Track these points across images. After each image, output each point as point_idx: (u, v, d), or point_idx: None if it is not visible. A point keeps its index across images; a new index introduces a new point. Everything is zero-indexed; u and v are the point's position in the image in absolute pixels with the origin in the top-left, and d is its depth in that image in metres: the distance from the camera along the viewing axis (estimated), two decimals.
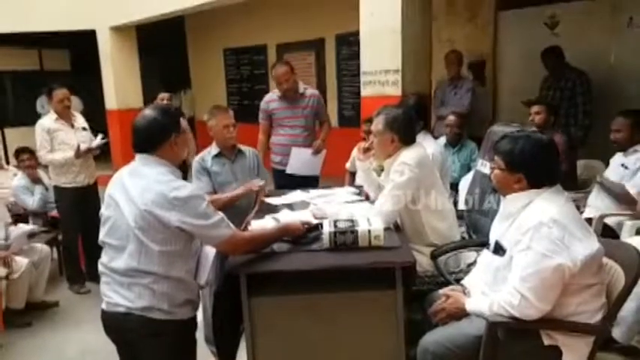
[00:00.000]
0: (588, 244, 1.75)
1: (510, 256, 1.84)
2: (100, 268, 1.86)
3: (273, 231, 2.06)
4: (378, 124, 2.53)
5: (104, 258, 1.85)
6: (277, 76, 3.80)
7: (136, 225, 1.73)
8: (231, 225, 1.86)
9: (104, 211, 1.86)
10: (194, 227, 1.75)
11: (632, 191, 2.95)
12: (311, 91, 4.03)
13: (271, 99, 3.95)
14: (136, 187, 1.76)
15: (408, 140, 2.53)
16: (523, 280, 1.75)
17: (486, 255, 2.05)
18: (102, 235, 1.86)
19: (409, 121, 2.56)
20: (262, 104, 4.01)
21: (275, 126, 3.97)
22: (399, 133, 2.49)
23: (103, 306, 1.85)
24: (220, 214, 1.83)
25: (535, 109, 3.80)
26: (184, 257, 1.83)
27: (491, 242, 2.01)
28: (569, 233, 1.73)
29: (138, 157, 1.85)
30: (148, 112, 1.86)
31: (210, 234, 1.79)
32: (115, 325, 1.83)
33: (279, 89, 3.85)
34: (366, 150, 2.69)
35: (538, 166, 1.86)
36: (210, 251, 1.93)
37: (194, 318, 1.94)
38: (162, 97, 4.84)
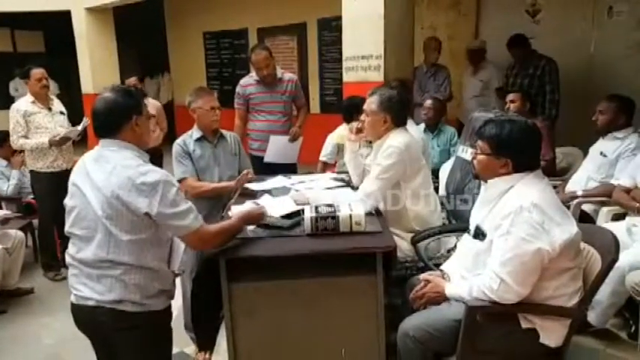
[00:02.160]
0: (567, 229, 1.77)
1: (490, 241, 1.85)
2: (68, 259, 1.78)
3: (236, 222, 1.98)
4: (371, 103, 2.51)
5: (71, 249, 1.77)
6: (257, 61, 3.72)
7: (103, 213, 1.65)
8: (200, 217, 1.78)
9: (68, 200, 1.77)
10: (161, 215, 1.66)
11: (616, 183, 2.94)
12: (289, 75, 3.98)
13: (248, 83, 3.87)
14: (101, 174, 1.67)
15: (400, 122, 2.52)
16: (503, 264, 1.76)
17: (466, 240, 2.07)
18: (67, 226, 1.77)
19: (403, 103, 2.55)
20: (239, 89, 3.92)
21: (252, 111, 3.90)
22: (392, 113, 2.48)
23: (72, 299, 1.77)
24: (189, 204, 1.75)
25: (510, 97, 3.83)
26: (156, 245, 1.74)
27: (472, 227, 2.01)
28: (548, 218, 1.74)
29: (101, 142, 1.76)
30: (107, 94, 1.77)
31: (178, 224, 1.70)
32: (86, 318, 1.76)
33: (259, 74, 3.78)
34: (358, 130, 2.67)
35: (524, 151, 1.86)
36: None
37: (169, 307, 1.88)
38: (130, 82, 4.70)
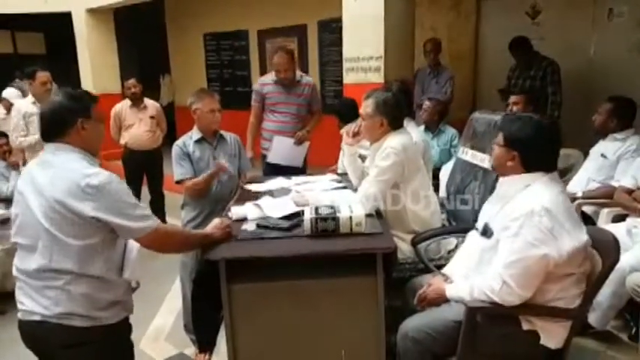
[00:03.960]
0: (576, 237, 1.75)
1: (497, 240, 1.83)
2: (14, 271, 1.67)
3: (197, 236, 1.96)
4: (367, 106, 2.51)
5: (16, 259, 1.67)
6: (278, 64, 3.73)
7: (46, 219, 1.55)
8: (155, 218, 1.71)
9: (13, 208, 1.68)
10: (111, 218, 1.57)
11: (617, 184, 2.95)
12: (307, 79, 3.97)
13: (266, 82, 3.89)
14: (45, 178, 1.59)
15: (397, 125, 2.51)
16: (507, 266, 1.75)
17: (474, 236, 2.05)
18: (12, 236, 1.67)
19: (399, 105, 2.54)
20: (256, 86, 3.95)
21: (266, 110, 3.91)
22: (388, 116, 2.47)
23: (18, 314, 1.66)
24: (142, 205, 1.68)
25: (513, 99, 3.80)
26: (105, 252, 1.63)
27: (480, 224, 2.00)
28: (559, 224, 1.72)
29: (46, 146, 1.68)
30: (54, 97, 1.71)
31: (130, 226, 1.61)
32: (32, 335, 1.64)
33: (277, 76, 3.78)
34: (355, 134, 2.67)
35: (533, 147, 1.84)
36: (135, 243, 1.76)
37: (125, 320, 1.77)
38: (129, 85, 4.72)
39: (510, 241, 1.76)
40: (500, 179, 1.99)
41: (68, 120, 1.66)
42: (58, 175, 1.58)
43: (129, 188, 1.68)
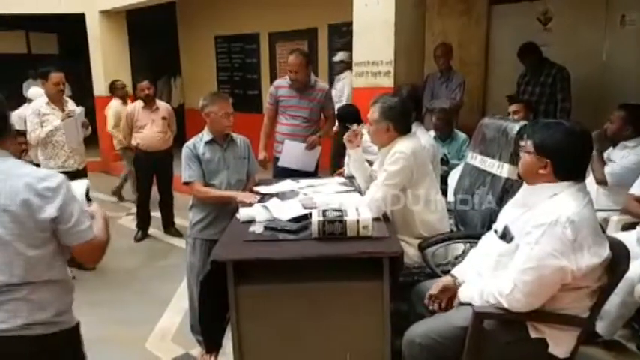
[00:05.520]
0: (597, 252, 1.72)
1: (517, 245, 1.81)
2: None
3: (104, 229, 1.70)
4: (374, 112, 2.52)
5: None
6: (290, 64, 3.76)
7: (4, 231, 1.43)
8: (94, 227, 1.59)
9: None
10: (63, 220, 1.48)
11: (605, 171, 3.04)
12: (321, 84, 3.98)
13: (281, 85, 3.92)
14: None
15: (404, 130, 2.52)
16: (522, 272, 1.73)
17: (491, 238, 2.02)
18: None
19: (405, 111, 2.55)
20: (271, 89, 3.99)
21: (280, 113, 3.94)
22: (394, 122, 2.48)
23: None
24: (87, 209, 1.59)
25: (513, 107, 3.80)
26: (63, 254, 1.56)
27: (499, 226, 1.97)
28: (582, 237, 1.68)
29: None
30: None
31: (74, 231, 1.51)
32: None
33: (289, 77, 3.82)
34: (354, 138, 2.68)
35: (566, 155, 1.78)
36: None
37: (79, 324, 1.67)
38: (143, 87, 4.76)
39: (529, 247, 1.72)
40: (525, 187, 1.94)
41: (6, 127, 1.55)
42: (10, 183, 1.45)
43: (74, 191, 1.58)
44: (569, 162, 1.79)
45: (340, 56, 5.70)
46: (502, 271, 1.84)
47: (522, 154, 1.90)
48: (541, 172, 1.81)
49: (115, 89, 6.39)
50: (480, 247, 2.12)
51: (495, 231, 2.01)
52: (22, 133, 4.38)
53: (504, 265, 1.85)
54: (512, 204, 2.00)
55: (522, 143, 1.90)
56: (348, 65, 5.43)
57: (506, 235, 1.90)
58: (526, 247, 1.75)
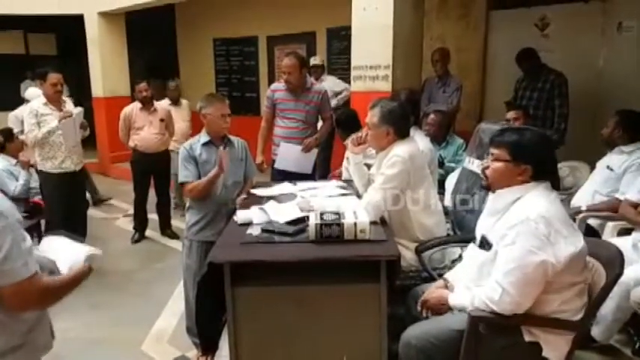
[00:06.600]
0: (573, 242, 1.76)
1: (496, 251, 1.84)
2: None
3: (67, 280, 1.47)
4: (373, 116, 2.52)
5: None
6: (283, 65, 3.79)
7: None
8: (32, 266, 1.33)
9: None
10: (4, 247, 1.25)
11: (622, 197, 2.93)
12: (318, 87, 3.99)
13: (277, 88, 3.93)
14: None
15: (403, 134, 2.53)
16: (505, 274, 1.75)
17: (472, 249, 2.06)
18: None
19: (404, 115, 2.56)
20: (268, 92, 4.01)
21: (277, 116, 3.95)
22: (394, 126, 2.49)
23: None
24: (29, 244, 1.35)
25: (512, 114, 3.80)
26: None
27: (477, 237, 2.01)
28: (555, 230, 1.73)
29: None
30: None
31: (3, 268, 1.25)
32: None
33: (283, 78, 3.83)
34: (360, 143, 2.69)
35: (544, 158, 1.86)
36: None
37: None
38: (141, 89, 4.76)
39: (508, 249, 1.76)
40: (492, 194, 1.98)
41: None
42: None
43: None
44: (548, 164, 1.87)
45: (313, 60, 5.76)
46: (486, 280, 1.86)
47: (490, 162, 1.92)
48: (519, 177, 1.85)
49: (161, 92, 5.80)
50: (463, 260, 2.15)
51: (474, 241, 2.04)
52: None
53: (487, 274, 1.86)
54: (485, 214, 2.03)
55: (492, 151, 1.92)
56: (323, 69, 5.86)
57: (484, 245, 1.92)
58: (504, 249, 1.77)
